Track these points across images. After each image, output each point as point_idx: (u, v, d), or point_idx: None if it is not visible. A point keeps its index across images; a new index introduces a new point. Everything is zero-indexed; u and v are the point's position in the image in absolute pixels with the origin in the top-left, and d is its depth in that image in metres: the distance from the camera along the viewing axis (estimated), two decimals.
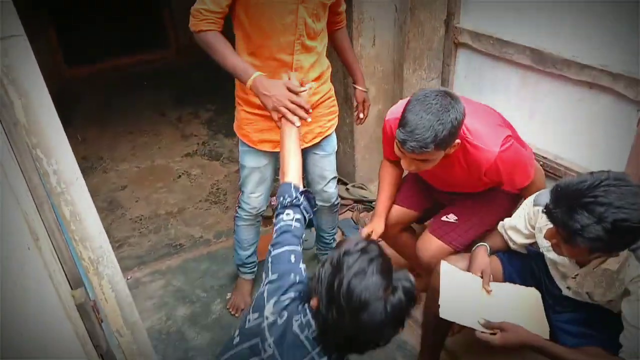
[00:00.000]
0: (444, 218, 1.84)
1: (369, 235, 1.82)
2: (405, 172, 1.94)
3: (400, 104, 1.67)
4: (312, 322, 1.07)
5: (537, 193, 1.56)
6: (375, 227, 1.88)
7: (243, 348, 1.13)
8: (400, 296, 1.02)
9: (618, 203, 1.13)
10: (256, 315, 1.13)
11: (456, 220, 1.81)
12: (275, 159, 2.00)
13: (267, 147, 1.90)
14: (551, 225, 1.27)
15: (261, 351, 1.09)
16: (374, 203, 2.75)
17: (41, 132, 0.95)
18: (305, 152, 1.99)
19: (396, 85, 2.76)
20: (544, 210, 1.25)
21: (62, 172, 0.96)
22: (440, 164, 1.58)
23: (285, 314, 1.10)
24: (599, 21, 1.67)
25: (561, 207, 1.19)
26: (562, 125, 1.85)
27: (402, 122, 1.48)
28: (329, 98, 1.99)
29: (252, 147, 1.92)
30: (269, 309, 1.11)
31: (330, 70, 1.98)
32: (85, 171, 3.32)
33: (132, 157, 3.56)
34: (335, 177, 2.17)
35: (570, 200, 1.18)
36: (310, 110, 1.52)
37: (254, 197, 2.03)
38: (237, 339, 1.15)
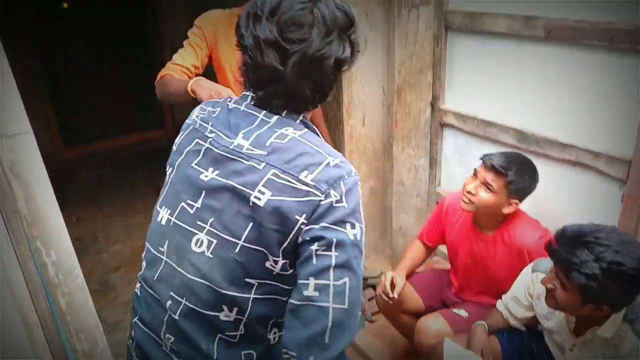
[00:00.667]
0: (455, 310, 1.89)
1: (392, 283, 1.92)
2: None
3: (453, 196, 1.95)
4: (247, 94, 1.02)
5: (536, 260, 1.63)
6: (397, 277, 1.94)
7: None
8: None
9: (617, 247, 1.23)
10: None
11: (467, 316, 1.87)
12: None
13: None
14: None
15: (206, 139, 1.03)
16: (369, 280, 2.74)
17: (42, 224, 0.98)
18: None
19: (386, 162, 2.84)
20: (547, 248, 1.35)
21: (60, 263, 0.98)
22: (484, 245, 1.81)
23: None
24: (579, 102, 1.75)
25: (564, 245, 1.30)
26: (548, 202, 1.90)
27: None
28: None
29: None
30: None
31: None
32: (79, 252, 3.29)
33: (126, 237, 3.56)
34: None
35: (573, 240, 1.29)
36: None
37: None
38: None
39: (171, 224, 1.01)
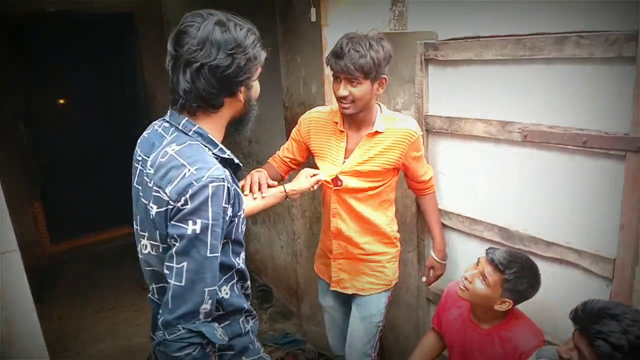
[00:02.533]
0: None
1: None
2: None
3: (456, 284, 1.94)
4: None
5: (537, 350, 1.61)
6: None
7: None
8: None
9: None
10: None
11: None
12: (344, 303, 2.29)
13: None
14: None
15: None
16: None
17: (16, 343, 0.95)
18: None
19: None
20: (571, 314, 1.37)
21: None
22: (479, 338, 1.82)
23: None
24: (561, 202, 1.80)
25: (591, 314, 1.32)
26: (538, 300, 1.89)
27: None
28: (376, 262, 2.14)
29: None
30: None
31: (392, 240, 2.17)
32: (61, 353, 3.18)
33: (109, 336, 3.45)
34: (363, 354, 2.23)
35: (601, 311, 1.31)
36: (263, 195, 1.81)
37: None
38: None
39: (138, 231, 1.38)
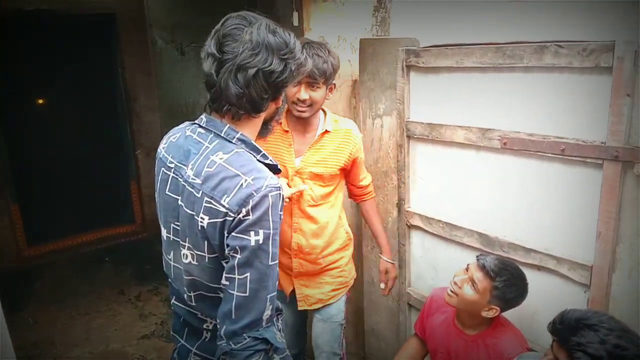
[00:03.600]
0: None
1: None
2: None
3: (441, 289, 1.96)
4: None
5: (517, 357, 1.64)
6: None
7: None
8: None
9: (621, 333, 1.28)
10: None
11: None
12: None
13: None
14: None
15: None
16: None
17: None
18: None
19: (356, 260, 2.83)
20: (549, 327, 1.38)
21: None
22: (464, 344, 1.82)
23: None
24: (539, 209, 1.82)
25: (569, 326, 1.32)
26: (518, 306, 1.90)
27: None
28: (336, 268, 2.15)
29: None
30: None
31: (346, 242, 2.19)
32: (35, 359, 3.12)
33: (85, 341, 3.39)
34: (331, 353, 2.23)
35: (578, 321, 1.32)
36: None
37: None
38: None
39: (171, 240, 1.34)
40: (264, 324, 1.21)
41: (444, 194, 2.16)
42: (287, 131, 2.02)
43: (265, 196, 1.17)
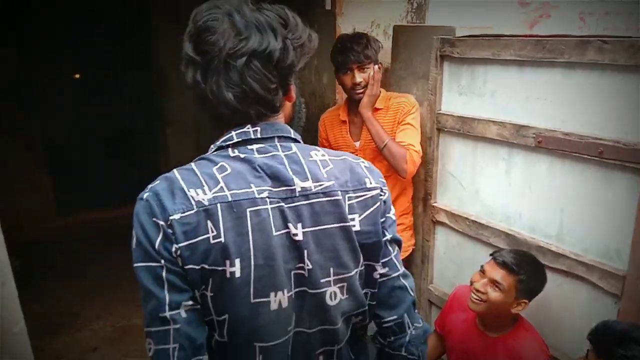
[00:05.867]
0: None
1: None
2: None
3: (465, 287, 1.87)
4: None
5: None
6: None
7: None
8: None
9: None
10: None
11: None
12: None
13: None
14: None
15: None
16: None
17: None
18: None
19: None
20: (589, 335, 1.36)
21: None
22: (484, 346, 1.77)
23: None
24: (571, 211, 1.74)
25: (614, 338, 1.31)
26: (544, 308, 1.83)
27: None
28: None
29: None
30: None
31: (411, 214, 2.34)
32: (58, 330, 3.19)
33: (108, 314, 3.44)
34: None
35: (623, 333, 1.30)
36: None
37: None
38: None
39: (294, 297, 0.96)
40: None
41: (473, 190, 2.08)
42: (344, 121, 2.24)
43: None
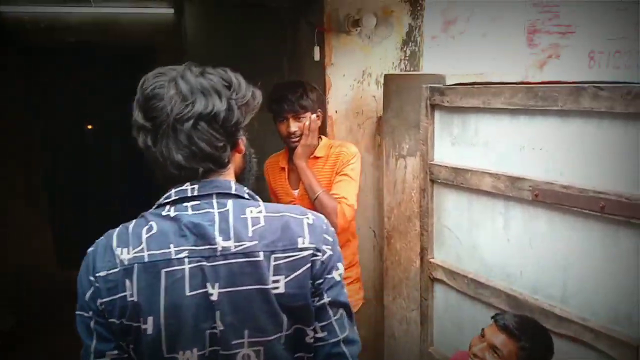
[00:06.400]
0: None
1: None
2: None
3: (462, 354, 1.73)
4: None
5: None
6: None
7: None
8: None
9: None
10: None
11: None
12: None
13: None
14: None
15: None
16: None
17: None
18: None
19: (377, 311, 2.63)
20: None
21: None
22: None
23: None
24: (574, 271, 1.59)
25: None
26: None
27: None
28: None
29: None
30: None
31: (350, 263, 2.17)
32: None
33: None
34: None
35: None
36: None
37: None
38: None
39: (206, 355, 0.97)
40: None
41: (470, 246, 1.94)
42: (283, 168, 2.21)
43: (330, 227, 1.08)
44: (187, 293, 0.94)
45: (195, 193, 0.99)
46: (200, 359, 0.96)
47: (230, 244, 0.96)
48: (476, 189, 1.83)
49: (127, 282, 0.94)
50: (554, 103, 1.53)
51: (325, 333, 1.03)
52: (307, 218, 1.04)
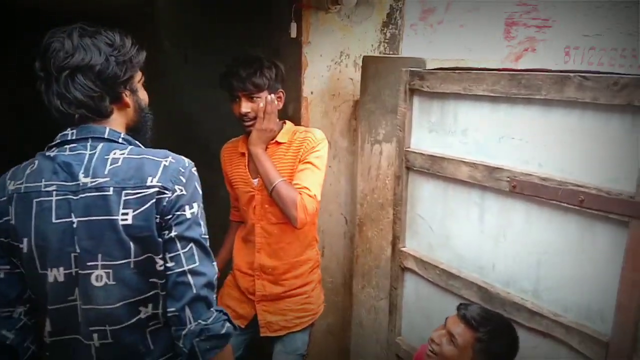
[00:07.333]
0: None
1: None
2: None
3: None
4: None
5: None
6: None
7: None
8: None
9: None
10: None
11: None
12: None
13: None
14: None
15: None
16: None
17: None
18: (273, 346, 2.07)
19: (345, 299, 2.58)
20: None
21: None
22: None
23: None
24: (550, 265, 1.56)
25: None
26: None
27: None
28: (301, 295, 1.99)
29: None
30: None
31: (313, 266, 2.03)
32: None
33: None
34: None
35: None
36: None
37: None
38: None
39: (73, 275, 1.15)
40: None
41: (443, 236, 1.90)
42: (242, 153, 2.00)
43: (191, 170, 1.20)
44: (53, 220, 1.13)
45: (74, 137, 1.17)
46: (67, 277, 1.15)
47: (88, 180, 1.13)
48: (452, 177, 1.78)
49: (10, 208, 1.15)
50: (537, 92, 1.48)
51: (173, 263, 1.15)
52: (166, 160, 1.17)
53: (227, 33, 2.90)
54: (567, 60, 3.14)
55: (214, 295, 1.20)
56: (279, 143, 1.92)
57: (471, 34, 2.67)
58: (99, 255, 1.13)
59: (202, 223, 1.19)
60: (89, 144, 1.17)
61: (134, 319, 1.18)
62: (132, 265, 1.15)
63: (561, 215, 1.49)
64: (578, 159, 1.43)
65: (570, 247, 1.48)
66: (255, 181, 1.95)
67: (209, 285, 1.17)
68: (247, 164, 1.98)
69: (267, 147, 1.91)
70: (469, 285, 1.77)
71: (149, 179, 1.13)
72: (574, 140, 1.44)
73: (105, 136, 1.19)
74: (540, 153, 1.53)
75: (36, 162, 1.18)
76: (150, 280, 1.18)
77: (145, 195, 1.12)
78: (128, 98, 1.23)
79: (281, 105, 1.93)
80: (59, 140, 1.18)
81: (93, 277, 1.14)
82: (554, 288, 1.54)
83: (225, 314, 1.20)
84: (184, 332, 1.15)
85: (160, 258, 1.16)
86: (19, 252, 1.15)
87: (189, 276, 1.15)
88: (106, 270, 1.14)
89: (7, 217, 1.15)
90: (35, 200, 1.14)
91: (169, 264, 1.16)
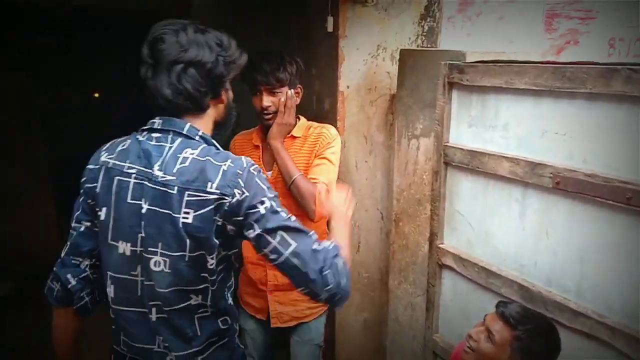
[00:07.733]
0: None
1: None
2: None
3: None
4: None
5: None
6: None
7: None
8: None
9: None
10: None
11: None
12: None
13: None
14: None
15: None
16: None
17: None
18: (288, 337, 2.12)
19: (382, 294, 2.57)
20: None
21: None
22: None
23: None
24: (595, 264, 1.51)
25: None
26: None
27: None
28: None
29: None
30: None
31: None
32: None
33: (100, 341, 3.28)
34: None
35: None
36: None
37: None
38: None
39: (137, 253, 1.25)
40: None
41: (482, 233, 1.86)
42: (257, 146, 2.04)
43: (250, 171, 1.22)
44: (129, 200, 1.24)
45: (160, 127, 1.27)
46: (132, 253, 1.25)
47: (160, 173, 1.21)
48: (492, 173, 1.74)
49: (99, 177, 1.28)
50: (582, 85, 1.43)
51: (275, 255, 1.20)
52: (225, 165, 1.21)
53: (263, 28, 2.91)
54: (612, 52, 3.02)
55: (328, 245, 1.25)
56: (294, 137, 1.97)
57: (511, 27, 2.59)
58: (159, 244, 1.21)
59: (279, 210, 1.23)
60: (169, 137, 1.25)
61: (184, 304, 1.26)
62: (186, 259, 1.21)
63: (606, 212, 1.44)
64: (625, 155, 1.38)
65: (615, 246, 1.43)
66: (269, 173, 1.99)
67: (314, 252, 1.21)
68: (260, 156, 2.02)
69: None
70: (509, 283, 1.73)
71: (209, 184, 1.18)
72: (621, 135, 1.38)
73: (184, 132, 1.26)
74: (584, 149, 1.48)
75: (128, 142, 1.29)
76: (202, 275, 1.25)
77: (205, 199, 1.18)
78: (224, 95, 1.33)
79: (299, 100, 1.97)
80: (149, 127, 1.28)
81: (152, 262, 1.22)
82: (598, 287, 1.49)
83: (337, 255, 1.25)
84: (319, 299, 1.25)
85: (211, 257, 1.23)
86: (98, 217, 1.28)
87: (293, 259, 1.19)
88: (164, 259, 1.22)
89: (95, 184, 1.28)
90: (116, 177, 1.25)
91: (272, 256, 1.21)
